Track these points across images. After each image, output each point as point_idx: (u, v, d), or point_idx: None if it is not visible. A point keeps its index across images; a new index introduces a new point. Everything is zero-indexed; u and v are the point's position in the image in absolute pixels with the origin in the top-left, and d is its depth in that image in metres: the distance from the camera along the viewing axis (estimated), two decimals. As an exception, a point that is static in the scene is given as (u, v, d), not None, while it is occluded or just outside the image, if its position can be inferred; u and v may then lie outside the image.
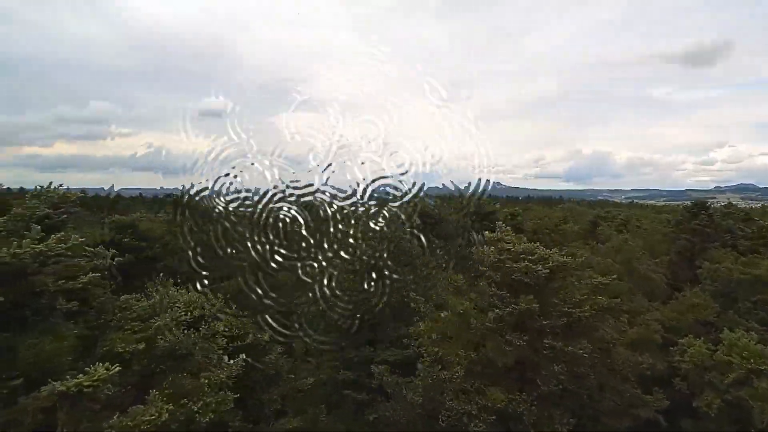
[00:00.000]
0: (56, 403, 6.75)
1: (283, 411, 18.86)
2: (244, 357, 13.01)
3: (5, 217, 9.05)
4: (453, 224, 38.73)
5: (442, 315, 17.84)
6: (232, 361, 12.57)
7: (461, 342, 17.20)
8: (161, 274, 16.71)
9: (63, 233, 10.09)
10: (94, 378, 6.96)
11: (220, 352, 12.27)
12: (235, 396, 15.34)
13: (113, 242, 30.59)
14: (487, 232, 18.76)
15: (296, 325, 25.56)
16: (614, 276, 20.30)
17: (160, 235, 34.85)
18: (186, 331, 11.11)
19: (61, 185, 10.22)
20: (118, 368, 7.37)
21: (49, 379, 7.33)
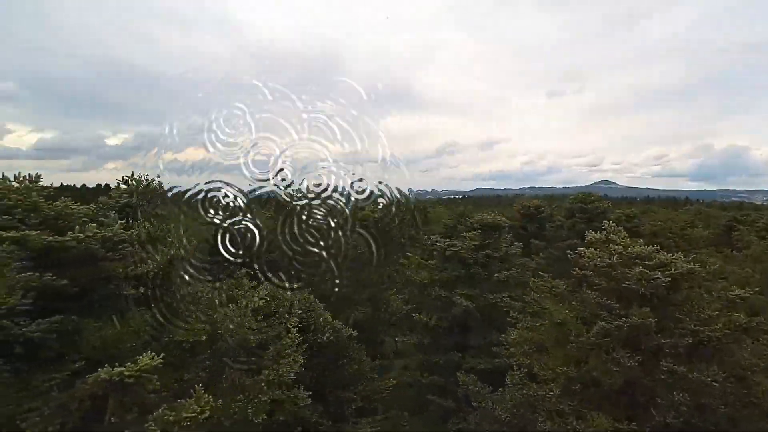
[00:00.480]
0: (106, 390, 6.65)
1: (364, 411, 18.27)
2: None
3: (91, 206, 9.42)
4: (556, 225, 35.61)
5: (538, 324, 15.95)
6: (300, 358, 12.11)
7: (559, 356, 15.18)
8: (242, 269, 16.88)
9: (141, 222, 10.28)
10: (136, 368, 6.75)
11: (292, 348, 11.84)
12: (309, 393, 15.09)
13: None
14: (591, 232, 16.41)
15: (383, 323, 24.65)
16: (755, 289, 16.70)
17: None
18: (257, 325, 10.83)
19: (147, 176, 10.57)
20: (161, 359, 7.12)
21: (105, 365, 7.27)
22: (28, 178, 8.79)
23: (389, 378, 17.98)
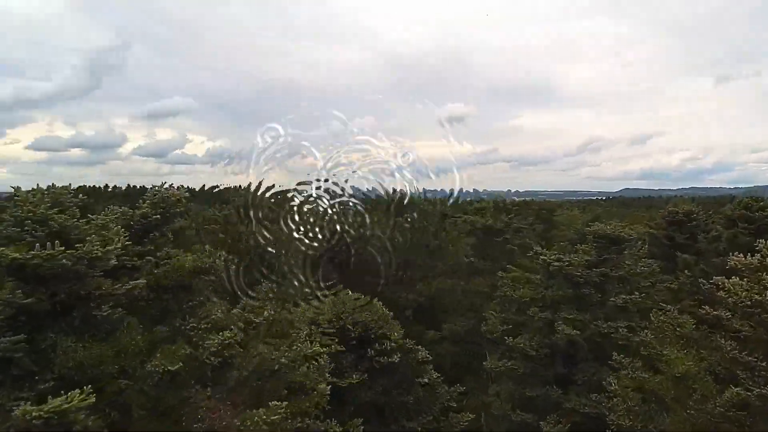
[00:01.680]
0: (29, 426, 6.07)
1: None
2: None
3: (102, 215, 9.24)
4: (711, 237, 28.77)
5: (649, 376, 12.40)
6: (326, 387, 10.73)
7: (676, 420, 11.52)
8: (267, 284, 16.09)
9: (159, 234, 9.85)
10: (55, 406, 6.02)
11: (315, 375, 10.52)
12: (362, 420, 13.62)
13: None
14: (737, 255, 12.21)
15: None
16: None
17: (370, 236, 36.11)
18: (274, 348, 9.75)
19: (171, 185, 10.20)
20: (93, 399, 6.33)
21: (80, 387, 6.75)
22: (43, 189, 8.85)
23: (465, 414, 15.64)
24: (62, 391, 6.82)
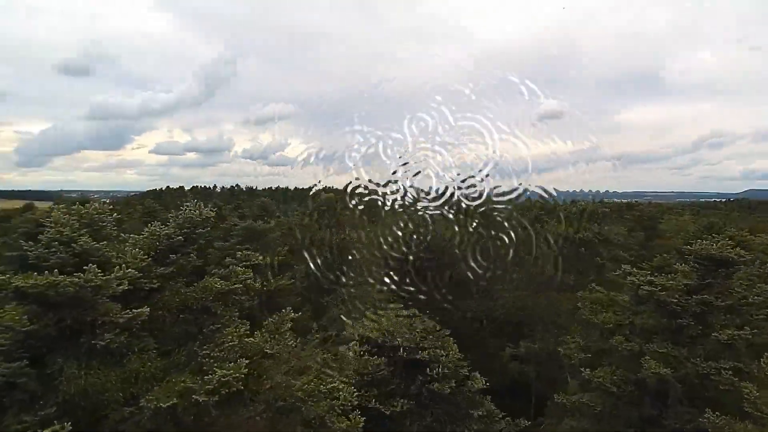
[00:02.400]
0: None
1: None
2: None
3: (132, 236, 9.30)
4: None
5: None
6: (359, 419, 9.89)
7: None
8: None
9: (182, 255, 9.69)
10: None
11: (338, 413, 9.72)
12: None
13: (405, 243, 32.16)
14: None
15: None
16: None
17: (450, 236, 34.72)
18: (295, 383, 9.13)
19: (199, 203, 10.01)
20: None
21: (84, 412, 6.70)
22: (81, 206, 9.06)
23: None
24: (66, 417, 6.81)
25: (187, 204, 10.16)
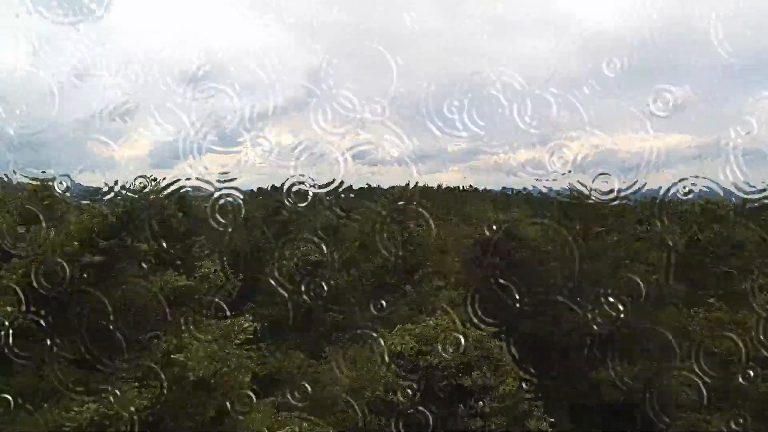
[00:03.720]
0: None
1: None
2: None
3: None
4: None
5: None
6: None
7: None
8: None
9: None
10: None
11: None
12: None
13: (484, 242, 29.18)
14: None
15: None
16: None
17: (533, 238, 30.86)
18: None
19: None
20: None
21: None
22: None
23: None
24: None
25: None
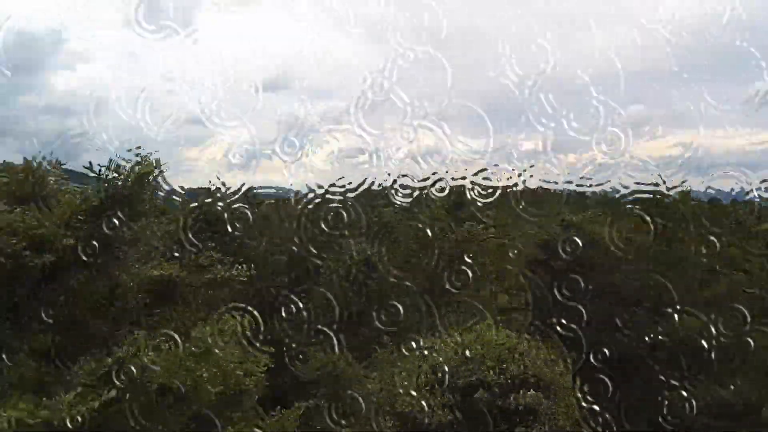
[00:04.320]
0: None
1: None
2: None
3: None
4: None
5: None
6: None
7: None
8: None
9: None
10: None
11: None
12: None
13: (550, 243, 27.17)
14: None
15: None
16: None
17: (609, 240, 27.94)
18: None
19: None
20: None
21: None
22: None
23: None
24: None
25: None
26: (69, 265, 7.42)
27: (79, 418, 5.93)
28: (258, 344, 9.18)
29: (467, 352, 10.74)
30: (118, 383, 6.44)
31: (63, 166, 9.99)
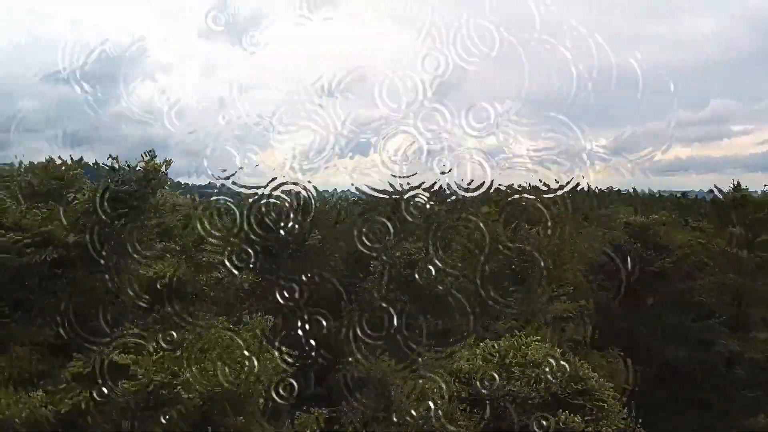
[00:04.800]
0: None
1: None
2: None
3: None
4: None
5: None
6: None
7: None
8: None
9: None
10: None
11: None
12: None
13: (620, 246, 25.64)
14: None
15: None
16: None
17: (680, 245, 25.79)
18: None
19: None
20: None
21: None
22: None
23: None
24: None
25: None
26: (74, 261, 7.59)
27: (51, 418, 5.97)
28: (282, 348, 9.00)
29: (497, 361, 10.04)
30: (100, 382, 6.47)
31: (84, 162, 10.42)
